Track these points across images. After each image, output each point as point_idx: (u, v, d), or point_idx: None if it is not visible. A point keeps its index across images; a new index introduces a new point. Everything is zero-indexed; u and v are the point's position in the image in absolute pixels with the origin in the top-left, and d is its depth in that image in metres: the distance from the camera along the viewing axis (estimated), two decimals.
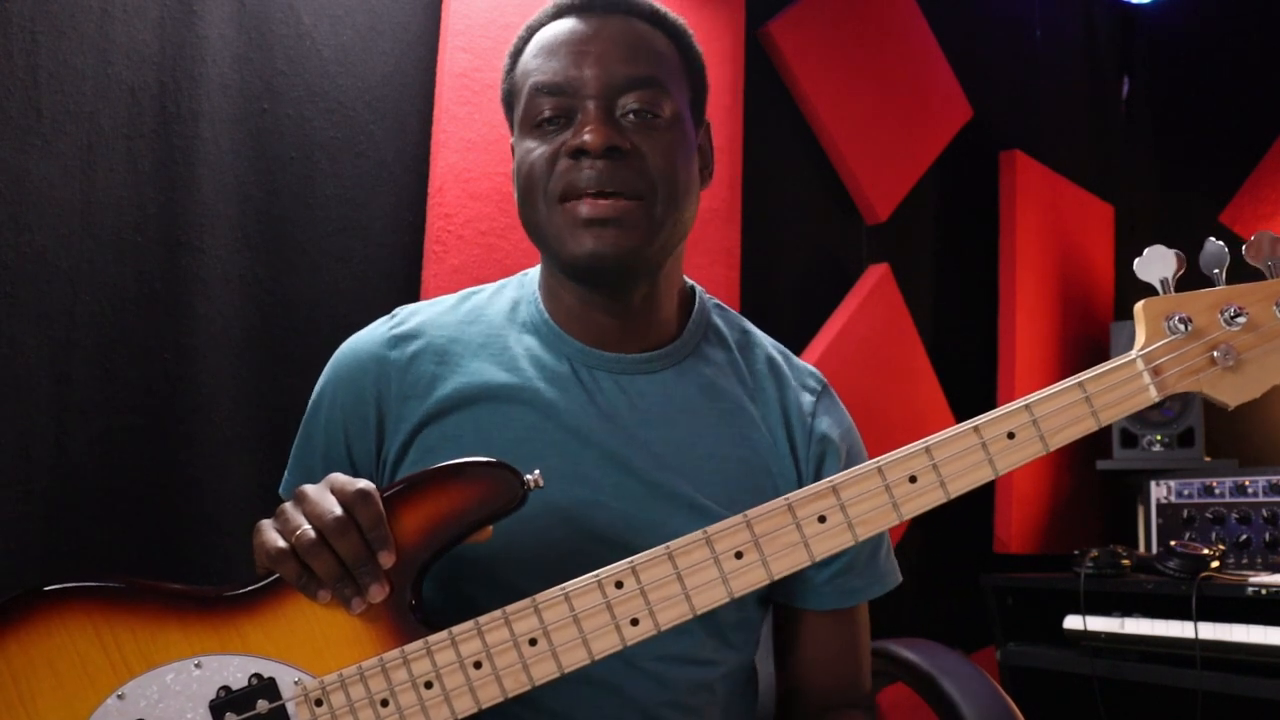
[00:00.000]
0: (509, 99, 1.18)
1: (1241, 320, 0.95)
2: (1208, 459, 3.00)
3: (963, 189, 3.30)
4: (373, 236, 2.03)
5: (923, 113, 3.14)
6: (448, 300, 1.23)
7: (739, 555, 0.94)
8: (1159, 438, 3.03)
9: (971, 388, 3.22)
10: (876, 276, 2.94)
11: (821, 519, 0.95)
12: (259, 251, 1.88)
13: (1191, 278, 0.98)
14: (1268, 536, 2.60)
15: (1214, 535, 2.68)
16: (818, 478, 1.15)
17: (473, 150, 2.09)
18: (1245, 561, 2.62)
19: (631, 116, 1.10)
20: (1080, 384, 0.95)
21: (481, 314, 1.20)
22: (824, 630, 1.21)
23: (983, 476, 0.95)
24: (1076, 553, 2.61)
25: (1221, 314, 0.96)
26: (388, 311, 1.25)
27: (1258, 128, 3.45)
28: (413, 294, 2.04)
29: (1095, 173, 3.65)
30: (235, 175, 1.85)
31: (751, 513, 0.95)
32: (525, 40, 1.17)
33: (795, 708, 1.23)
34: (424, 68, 2.10)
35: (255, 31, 1.89)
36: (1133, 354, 0.96)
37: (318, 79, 1.96)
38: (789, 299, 2.79)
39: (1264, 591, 2.25)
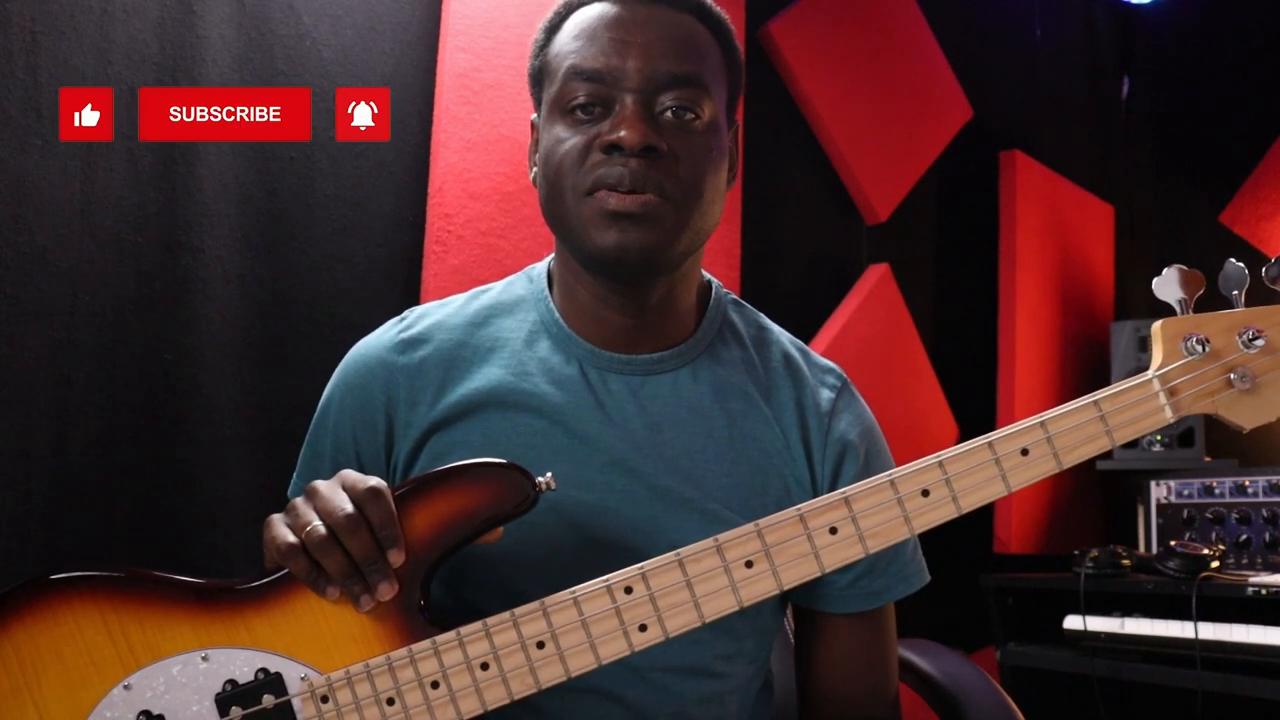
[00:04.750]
0: (538, 75, 1.14)
1: (1260, 343, 0.95)
2: (1208, 459, 3.00)
3: (963, 189, 3.30)
4: (373, 236, 2.02)
5: (923, 113, 3.14)
6: (457, 300, 1.21)
7: (749, 564, 0.94)
8: (1159, 438, 3.03)
9: (971, 388, 3.22)
10: (876, 276, 2.94)
11: (833, 530, 0.94)
12: (259, 251, 1.88)
13: (1208, 297, 0.97)
14: (1268, 536, 2.60)
15: (1214, 535, 2.67)
16: (834, 480, 1.15)
17: (473, 150, 2.09)
18: (1245, 561, 2.62)
19: (670, 115, 1.07)
20: (1096, 403, 0.95)
21: (491, 315, 1.18)
22: (848, 634, 1.17)
23: (996, 492, 0.94)
24: (1076, 553, 2.61)
25: (1239, 336, 0.95)
26: (388, 311, 1.24)
27: (1258, 128, 3.45)
28: (413, 294, 2.04)
29: (1095, 173, 3.66)
30: (235, 175, 1.85)
31: (763, 522, 0.94)
32: (563, 17, 1.12)
33: (819, 717, 1.19)
34: (424, 68, 2.09)
35: (255, 31, 1.88)
36: (1149, 374, 0.96)
37: (318, 79, 1.96)
38: (789, 299, 2.78)
39: (1264, 591, 2.25)
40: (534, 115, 1.17)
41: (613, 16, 1.08)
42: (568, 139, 1.07)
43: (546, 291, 1.18)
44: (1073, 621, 2.56)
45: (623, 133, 1.04)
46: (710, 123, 1.10)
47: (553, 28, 1.13)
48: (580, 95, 1.07)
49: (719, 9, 1.15)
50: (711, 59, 1.11)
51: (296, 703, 0.93)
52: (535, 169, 1.14)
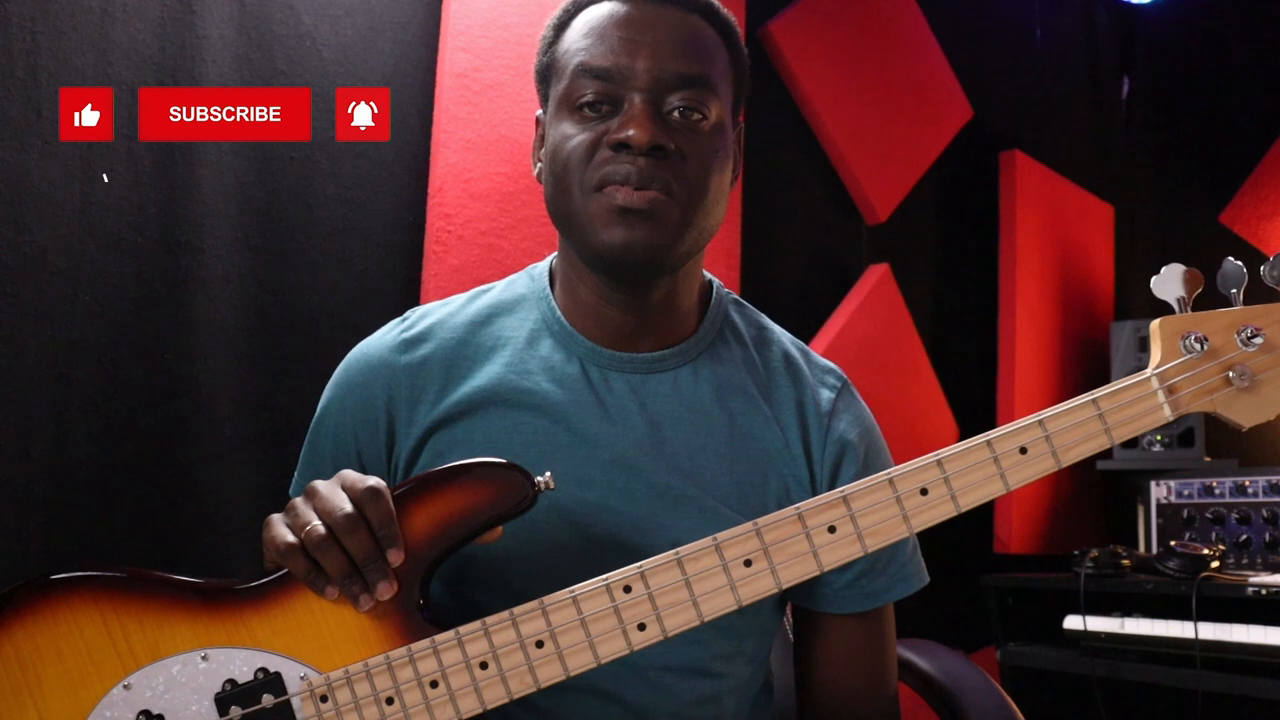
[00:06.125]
0: (546, 72, 1.15)
1: (1258, 341, 0.95)
2: (1208, 459, 3.00)
3: (963, 189, 3.30)
4: (373, 236, 2.02)
5: (923, 113, 3.14)
6: (458, 300, 1.21)
7: (748, 563, 0.94)
8: (1159, 438, 3.03)
9: (971, 388, 3.22)
10: (876, 276, 2.94)
11: (831, 529, 0.94)
12: (259, 251, 1.88)
13: (1207, 295, 0.97)
14: (1268, 536, 2.60)
15: (1214, 535, 2.68)
16: (833, 480, 1.15)
17: (473, 150, 2.09)
18: (1245, 561, 2.62)
19: (677, 115, 1.07)
20: (1094, 401, 0.95)
21: (492, 314, 1.18)
22: (846, 634, 1.17)
23: (994, 491, 0.95)
24: (1076, 553, 2.61)
25: (1238, 334, 0.95)
26: (387, 311, 1.24)
27: (1258, 128, 3.45)
28: (413, 294, 2.04)
29: (1095, 173, 3.66)
30: (235, 175, 1.85)
31: (761, 521, 0.94)
32: (572, 14, 1.13)
33: (817, 716, 1.20)
34: (424, 68, 2.10)
35: (255, 31, 1.88)
36: (1148, 373, 0.96)
37: (318, 79, 1.96)
38: (789, 299, 2.79)
39: (1264, 591, 2.25)
40: (539, 111, 1.17)
41: (622, 15, 1.09)
42: (575, 135, 1.08)
43: (548, 290, 1.19)
44: (1073, 621, 2.56)
45: (631, 131, 1.04)
46: (717, 123, 1.10)
47: (561, 25, 1.14)
48: (589, 93, 1.07)
49: (727, 11, 1.16)
50: (719, 60, 1.12)
51: (296, 702, 0.93)
52: (540, 165, 1.15)
